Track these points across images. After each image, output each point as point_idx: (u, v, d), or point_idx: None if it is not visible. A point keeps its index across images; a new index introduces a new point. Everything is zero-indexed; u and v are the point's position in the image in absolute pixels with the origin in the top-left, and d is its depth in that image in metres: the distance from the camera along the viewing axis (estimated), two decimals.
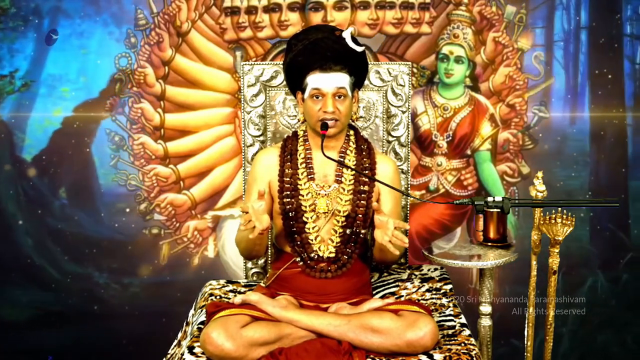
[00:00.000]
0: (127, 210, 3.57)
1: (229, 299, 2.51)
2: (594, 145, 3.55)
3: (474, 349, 2.17)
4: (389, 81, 2.77)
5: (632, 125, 3.55)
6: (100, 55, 3.49)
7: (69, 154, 3.54)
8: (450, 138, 3.55)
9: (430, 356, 2.13)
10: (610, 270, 3.58)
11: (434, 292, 2.56)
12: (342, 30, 2.38)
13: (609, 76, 3.51)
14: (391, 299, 2.40)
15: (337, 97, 2.35)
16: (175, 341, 2.54)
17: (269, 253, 2.75)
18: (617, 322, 3.51)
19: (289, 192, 2.42)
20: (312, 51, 2.35)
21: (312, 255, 2.39)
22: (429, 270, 2.75)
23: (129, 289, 3.61)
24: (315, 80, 2.35)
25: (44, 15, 3.48)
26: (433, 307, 2.46)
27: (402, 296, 2.54)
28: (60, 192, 3.57)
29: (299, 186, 2.42)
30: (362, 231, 2.41)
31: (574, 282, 3.54)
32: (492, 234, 2.57)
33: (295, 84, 2.45)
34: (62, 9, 3.48)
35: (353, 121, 2.54)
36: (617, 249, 3.56)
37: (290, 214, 2.41)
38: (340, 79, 2.35)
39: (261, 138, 2.77)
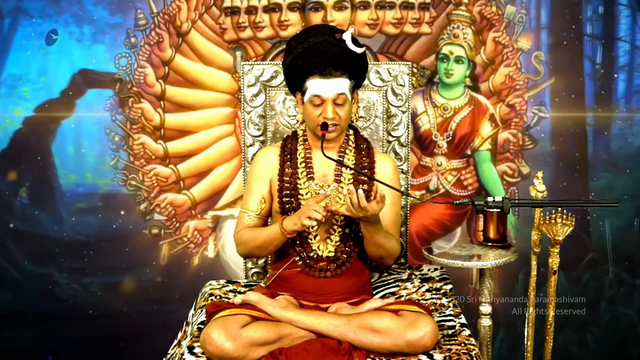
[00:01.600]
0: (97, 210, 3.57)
1: (229, 299, 2.51)
2: (554, 145, 3.56)
3: (474, 349, 2.17)
4: (389, 81, 2.77)
5: (592, 125, 3.56)
6: (61, 55, 3.49)
7: (29, 154, 3.54)
8: (450, 138, 3.55)
9: (430, 356, 2.13)
10: (571, 271, 3.59)
11: (434, 292, 2.56)
12: (342, 31, 2.37)
13: (570, 76, 3.52)
14: (391, 299, 2.40)
15: (337, 103, 2.35)
16: (175, 341, 2.54)
17: None
18: (577, 322, 3.51)
19: (288, 192, 2.42)
20: (312, 55, 2.33)
21: (312, 254, 2.39)
22: (429, 270, 2.74)
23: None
24: (315, 86, 2.34)
25: (4, 15, 3.48)
26: (433, 307, 2.45)
27: (402, 296, 2.54)
28: (21, 192, 3.57)
29: (298, 186, 2.42)
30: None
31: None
32: (492, 234, 2.57)
33: (294, 86, 2.44)
34: (23, 9, 3.47)
35: (353, 121, 2.54)
36: (577, 249, 3.57)
37: (289, 213, 2.41)
38: (341, 85, 2.34)
39: (261, 138, 2.77)
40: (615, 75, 3.54)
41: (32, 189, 3.56)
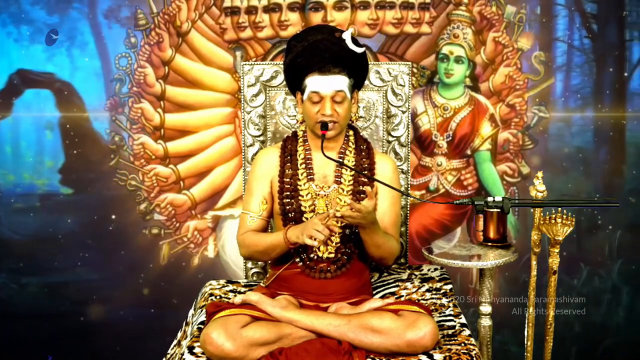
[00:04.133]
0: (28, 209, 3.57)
1: (229, 299, 2.51)
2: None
3: (474, 349, 2.17)
4: (389, 81, 2.77)
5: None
6: None
7: None
8: (450, 138, 3.55)
9: (430, 356, 2.13)
10: (509, 271, 3.59)
11: (434, 292, 2.56)
12: (342, 32, 2.38)
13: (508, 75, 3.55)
14: (391, 299, 2.40)
15: (335, 100, 2.35)
16: (175, 341, 2.54)
17: None
18: (514, 322, 3.50)
19: (288, 193, 2.42)
20: (311, 53, 2.34)
21: (312, 255, 2.39)
22: (429, 270, 2.74)
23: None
24: (314, 82, 2.35)
25: None
26: (433, 307, 2.45)
27: (402, 296, 2.54)
28: None
29: (298, 187, 2.42)
30: None
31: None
32: (492, 234, 2.57)
33: (294, 85, 2.45)
34: None
35: (352, 122, 2.54)
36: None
37: (290, 214, 2.41)
38: (339, 82, 2.35)
39: (261, 138, 2.77)
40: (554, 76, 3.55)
41: None
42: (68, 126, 3.52)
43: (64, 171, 3.56)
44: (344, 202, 2.39)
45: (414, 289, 2.58)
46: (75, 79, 3.52)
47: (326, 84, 2.34)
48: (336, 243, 2.40)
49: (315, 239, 2.22)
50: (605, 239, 3.57)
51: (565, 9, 3.52)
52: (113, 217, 3.57)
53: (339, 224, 2.37)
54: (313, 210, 2.40)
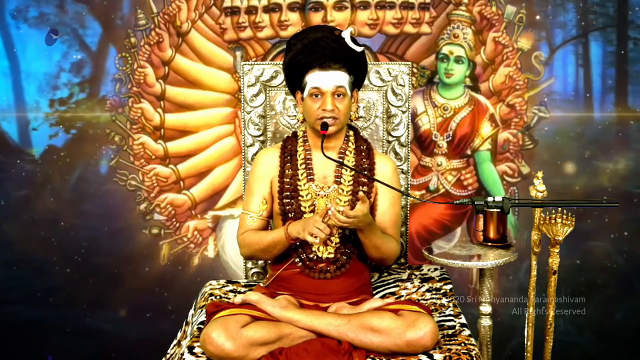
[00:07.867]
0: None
1: (229, 299, 2.51)
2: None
3: (474, 349, 2.17)
4: (389, 81, 2.77)
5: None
6: None
7: None
8: (450, 138, 3.55)
9: (430, 356, 2.13)
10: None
11: (434, 292, 2.56)
12: (341, 30, 2.39)
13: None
14: (391, 299, 2.40)
15: (336, 96, 2.36)
16: (175, 341, 2.54)
17: None
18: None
19: (288, 193, 2.42)
20: (311, 50, 2.35)
21: (311, 255, 2.39)
22: (429, 270, 2.74)
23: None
24: (315, 78, 2.35)
25: None
26: (433, 307, 2.45)
27: (402, 296, 2.54)
28: None
29: (298, 187, 2.42)
30: None
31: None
32: (492, 234, 2.57)
33: (294, 84, 2.45)
34: None
35: (352, 121, 2.54)
36: None
37: (290, 215, 2.41)
38: (339, 78, 2.35)
39: (261, 138, 2.77)
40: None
41: None
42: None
43: None
44: (344, 202, 2.40)
45: (414, 289, 2.58)
46: None
47: (327, 80, 2.34)
48: (335, 243, 2.40)
49: (316, 237, 2.23)
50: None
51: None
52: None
53: (337, 229, 2.36)
54: (313, 211, 2.40)
